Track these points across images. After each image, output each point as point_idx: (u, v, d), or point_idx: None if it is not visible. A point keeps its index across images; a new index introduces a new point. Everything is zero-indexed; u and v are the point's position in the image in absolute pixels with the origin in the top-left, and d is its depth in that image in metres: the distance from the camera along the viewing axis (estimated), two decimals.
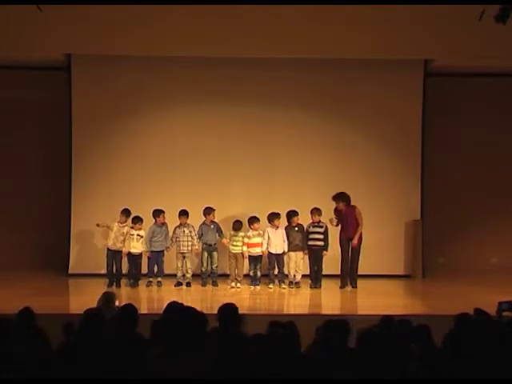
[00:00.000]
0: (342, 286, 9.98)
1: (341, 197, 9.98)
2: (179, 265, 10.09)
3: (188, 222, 10.06)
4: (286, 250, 9.97)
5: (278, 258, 10.00)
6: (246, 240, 10.00)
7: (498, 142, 11.65)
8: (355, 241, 9.91)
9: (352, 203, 10.00)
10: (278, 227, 9.94)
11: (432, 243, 11.21)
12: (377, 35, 10.00)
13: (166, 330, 4.43)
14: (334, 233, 10.10)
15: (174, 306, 5.33)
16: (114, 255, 10.02)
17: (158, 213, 10.04)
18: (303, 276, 10.05)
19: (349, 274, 10.03)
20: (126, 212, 10.04)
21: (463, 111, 11.59)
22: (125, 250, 10.01)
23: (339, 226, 10.06)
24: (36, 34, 9.85)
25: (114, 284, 9.96)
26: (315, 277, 10.02)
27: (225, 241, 10.08)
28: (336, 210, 10.07)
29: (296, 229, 9.98)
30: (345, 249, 10.03)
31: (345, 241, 10.02)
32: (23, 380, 3.92)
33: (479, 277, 10.73)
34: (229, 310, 5.02)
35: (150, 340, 4.75)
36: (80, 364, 4.12)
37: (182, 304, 5.41)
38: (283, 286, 10.00)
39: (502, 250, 11.64)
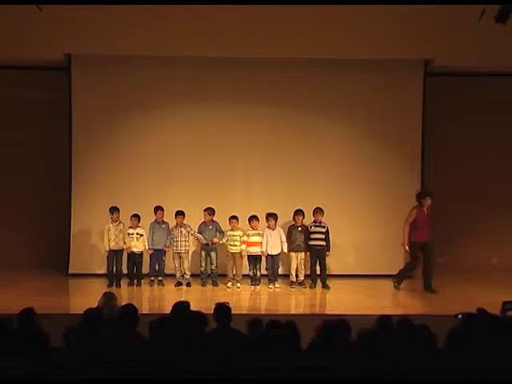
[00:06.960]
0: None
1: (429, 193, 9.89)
2: (176, 265, 10.10)
3: (185, 222, 10.06)
4: (286, 251, 9.94)
5: (273, 259, 9.98)
6: (245, 238, 9.99)
7: (498, 142, 11.65)
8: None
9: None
10: (274, 228, 9.92)
11: (432, 243, 11.18)
12: (377, 35, 10.02)
13: (165, 330, 4.44)
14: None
15: (178, 307, 5.30)
16: (115, 255, 10.04)
17: (156, 209, 10.10)
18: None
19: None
20: (115, 209, 10.07)
21: (463, 111, 11.59)
22: (127, 247, 10.05)
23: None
24: (36, 33, 9.88)
25: (114, 284, 9.96)
26: (320, 277, 9.97)
27: (217, 239, 10.06)
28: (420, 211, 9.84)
29: (299, 229, 9.96)
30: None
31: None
32: (23, 380, 3.92)
33: (479, 277, 10.71)
34: (222, 309, 5.05)
35: (150, 340, 4.75)
36: (80, 364, 4.12)
37: (187, 303, 5.36)
38: (276, 285, 9.97)
39: (503, 250, 11.64)
